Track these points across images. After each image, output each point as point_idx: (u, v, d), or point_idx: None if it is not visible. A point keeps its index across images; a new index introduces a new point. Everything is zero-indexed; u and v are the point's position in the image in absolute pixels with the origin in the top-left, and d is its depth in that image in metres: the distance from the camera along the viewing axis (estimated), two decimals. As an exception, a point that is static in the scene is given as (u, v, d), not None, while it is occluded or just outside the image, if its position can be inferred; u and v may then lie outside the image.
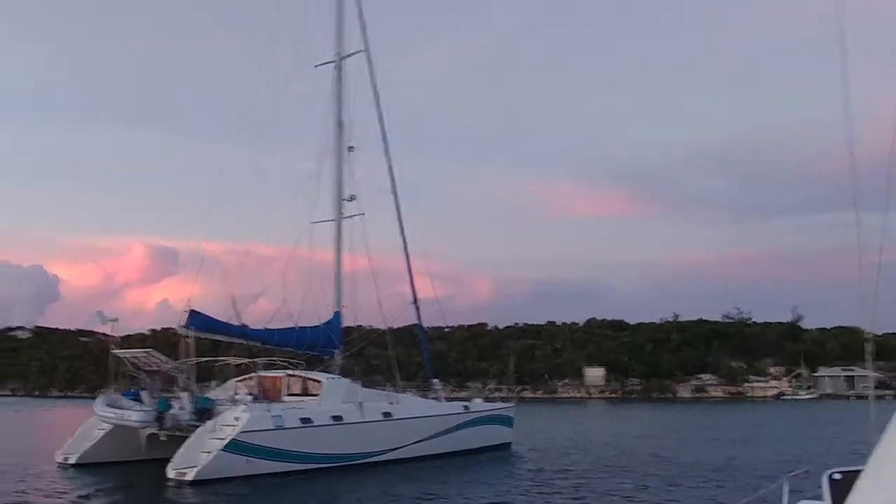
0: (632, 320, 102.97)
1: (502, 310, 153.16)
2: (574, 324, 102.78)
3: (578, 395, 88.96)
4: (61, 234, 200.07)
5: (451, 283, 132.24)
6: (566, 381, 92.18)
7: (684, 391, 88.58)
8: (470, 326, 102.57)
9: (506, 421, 31.80)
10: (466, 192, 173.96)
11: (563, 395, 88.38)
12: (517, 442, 31.45)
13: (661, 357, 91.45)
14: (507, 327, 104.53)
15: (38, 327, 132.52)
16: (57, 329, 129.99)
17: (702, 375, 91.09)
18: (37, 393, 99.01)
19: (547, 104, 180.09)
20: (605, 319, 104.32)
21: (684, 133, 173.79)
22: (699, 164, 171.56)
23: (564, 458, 27.38)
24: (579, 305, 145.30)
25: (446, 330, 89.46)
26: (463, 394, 36.25)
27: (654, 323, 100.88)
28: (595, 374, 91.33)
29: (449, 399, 34.45)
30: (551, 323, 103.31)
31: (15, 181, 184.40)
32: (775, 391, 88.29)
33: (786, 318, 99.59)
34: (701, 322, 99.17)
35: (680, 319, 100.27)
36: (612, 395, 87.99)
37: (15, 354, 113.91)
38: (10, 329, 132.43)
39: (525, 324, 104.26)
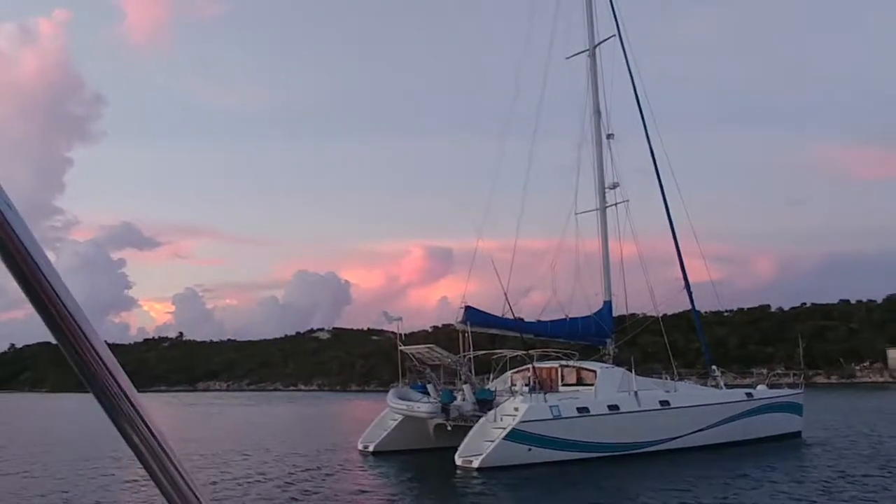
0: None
1: (787, 289, 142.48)
2: (871, 301, 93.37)
3: (881, 379, 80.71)
4: (351, 242, 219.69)
5: (728, 264, 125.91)
6: (865, 364, 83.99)
7: None
8: (751, 309, 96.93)
9: (794, 408, 29.85)
10: (740, 164, 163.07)
11: (863, 380, 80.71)
12: (808, 431, 29.41)
13: None
14: (793, 308, 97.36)
15: (335, 328, 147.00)
16: (351, 329, 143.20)
17: None
18: (338, 388, 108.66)
19: (829, 60, 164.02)
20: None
21: None
22: None
23: (866, 449, 25.11)
24: (877, 281, 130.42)
25: (725, 314, 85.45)
26: (746, 381, 34.44)
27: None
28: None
29: (731, 386, 33.00)
30: (844, 301, 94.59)
31: (307, 195, 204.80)
32: None
33: None
34: None
35: None
36: (924, 379, 78.75)
37: (318, 354, 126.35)
38: (312, 331, 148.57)
39: (813, 304, 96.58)
